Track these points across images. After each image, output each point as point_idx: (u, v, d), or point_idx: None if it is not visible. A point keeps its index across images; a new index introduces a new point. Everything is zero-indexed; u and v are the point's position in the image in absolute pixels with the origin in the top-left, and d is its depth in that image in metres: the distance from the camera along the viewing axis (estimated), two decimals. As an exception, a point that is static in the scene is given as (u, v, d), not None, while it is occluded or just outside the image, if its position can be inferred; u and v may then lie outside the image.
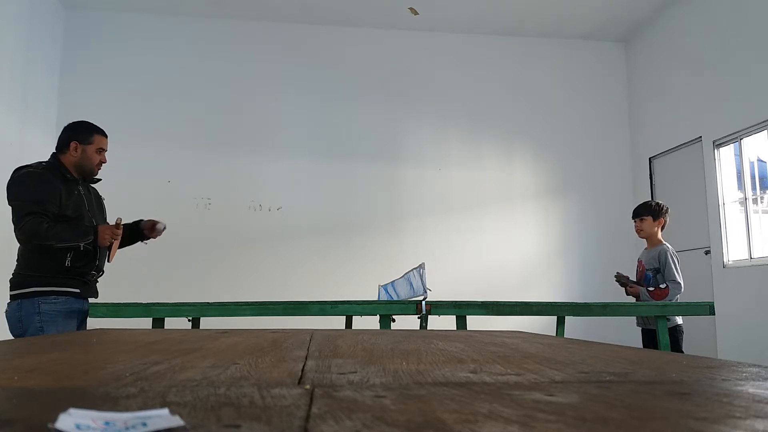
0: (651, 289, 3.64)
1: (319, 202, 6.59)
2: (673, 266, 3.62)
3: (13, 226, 2.58)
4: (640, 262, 3.86)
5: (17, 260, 2.65)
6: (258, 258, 6.36)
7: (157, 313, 3.03)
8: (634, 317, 3.76)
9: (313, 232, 6.52)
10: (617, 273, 3.87)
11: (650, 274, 3.69)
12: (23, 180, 2.59)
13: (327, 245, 6.51)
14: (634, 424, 0.50)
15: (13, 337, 2.49)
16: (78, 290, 2.66)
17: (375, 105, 6.83)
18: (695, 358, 1.05)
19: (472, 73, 7.05)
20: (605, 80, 7.27)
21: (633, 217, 3.88)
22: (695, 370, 0.88)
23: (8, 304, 2.60)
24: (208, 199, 6.45)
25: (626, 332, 4.63)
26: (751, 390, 0.68)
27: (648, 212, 3.79)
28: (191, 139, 6.48)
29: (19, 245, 2.65)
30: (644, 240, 3.87)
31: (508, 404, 0.57)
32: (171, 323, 2.96)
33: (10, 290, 2.61)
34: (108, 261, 2.78)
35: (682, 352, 3.48)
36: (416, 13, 6.04)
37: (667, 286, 3.60)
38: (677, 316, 3.50)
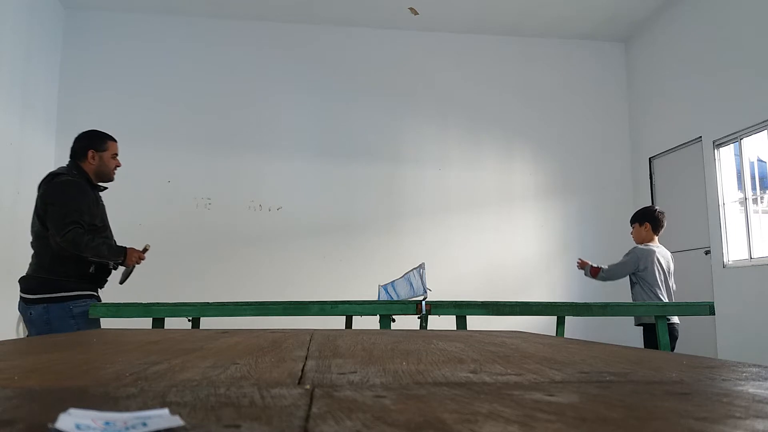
0: (594, 266, 3.94)
1: (319, 202, 6.59)
2: (621, 261, 3.84)
3: (30, 229, 2.69)
4: None
5: (38, 262, 2.68)
6: (258, 258, 6.36)
7: (157, 313, 3.03)
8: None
9: (313, 232, 6.52)
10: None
11: None
12: (66, 188, 2.68)
13: (327, 245, 6.51)
14: (634, 424, 0.50)
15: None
16: (97, 293, 2.80)
17: (375, 105, 6.83)
18: (695, 358, 1.05)
19: (472, 73, 7.05)
20: (605, 80, 7.27)
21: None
22: (695, 370, 0.88)
23: (32, 306, 2.61)
24: (208, 199, 6.44)
25: (626, 332, 4.63)
26: (751, 390, 0.68)
27: (634, 219, 3.98)
28: (191, 139, 6.48)
29: (35, 248, 2.70)
30: None
31: (508, 404, 0.57)
32: (171, 323, 2.96)
33: (30, 293, 2.62)
34: (120, 283, 2.91)
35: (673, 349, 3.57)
36: (416, 13, 6.04)
37: (603, 268, 3.87)
38: (674, 315, 3.54)
